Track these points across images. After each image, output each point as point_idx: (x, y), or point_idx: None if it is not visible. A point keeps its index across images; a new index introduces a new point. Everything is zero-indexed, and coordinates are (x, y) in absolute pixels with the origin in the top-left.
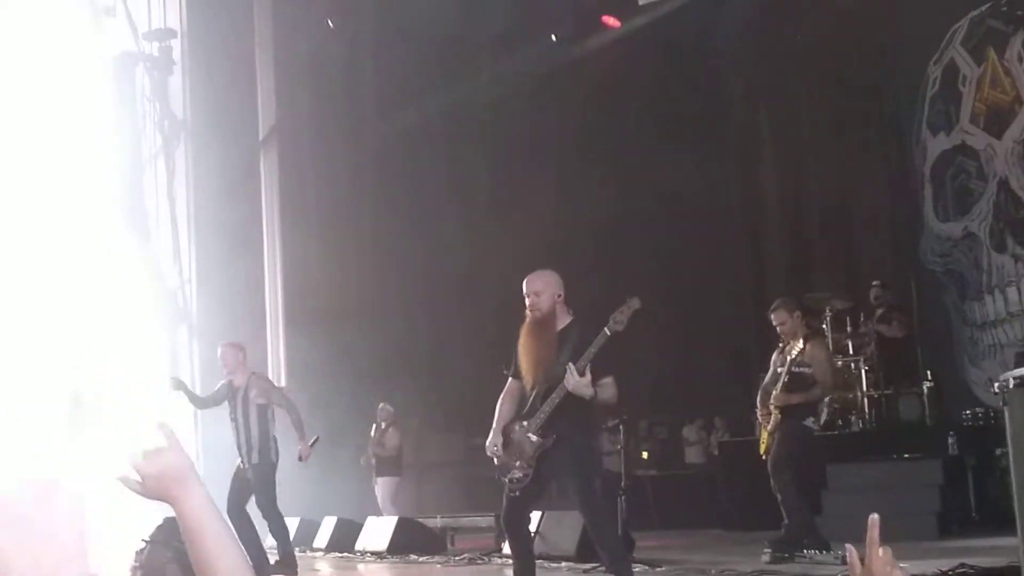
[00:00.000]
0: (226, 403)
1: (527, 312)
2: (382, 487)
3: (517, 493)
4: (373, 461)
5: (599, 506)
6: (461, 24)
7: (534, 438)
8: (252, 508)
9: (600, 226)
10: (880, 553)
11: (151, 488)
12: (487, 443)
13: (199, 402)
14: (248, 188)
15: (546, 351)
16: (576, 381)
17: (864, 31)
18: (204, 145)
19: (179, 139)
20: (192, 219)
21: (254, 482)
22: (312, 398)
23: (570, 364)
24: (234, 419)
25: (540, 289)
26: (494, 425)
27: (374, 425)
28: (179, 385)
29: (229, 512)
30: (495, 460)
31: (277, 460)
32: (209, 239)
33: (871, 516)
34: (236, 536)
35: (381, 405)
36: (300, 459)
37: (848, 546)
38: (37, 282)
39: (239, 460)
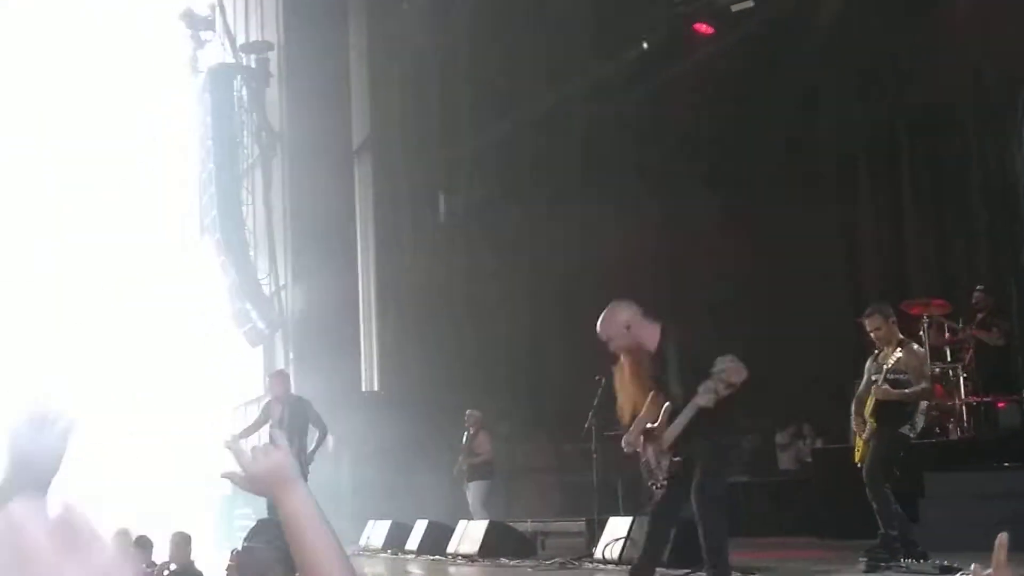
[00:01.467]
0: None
1: None
2: (473, 491)
3: (659, 497)
4: (464, 467)
5: (711, 509)
6: (553, 35)
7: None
8: None
9: (696, 234)
10: (1008, 573)
11: (258, 486)
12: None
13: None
14: (343, 197)
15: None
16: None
17: (963, 33)
18: (300, 155)
19: (275, 149)
20: (288, 228)
21: None
22: (405, 403)
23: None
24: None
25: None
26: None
27: (464, 432)
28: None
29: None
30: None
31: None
32: (305, 247)
33: (1000, 535)
34: (335, 534)
35: (469, 411)
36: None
37: (974, 566)
38: (130, 291)
39: None
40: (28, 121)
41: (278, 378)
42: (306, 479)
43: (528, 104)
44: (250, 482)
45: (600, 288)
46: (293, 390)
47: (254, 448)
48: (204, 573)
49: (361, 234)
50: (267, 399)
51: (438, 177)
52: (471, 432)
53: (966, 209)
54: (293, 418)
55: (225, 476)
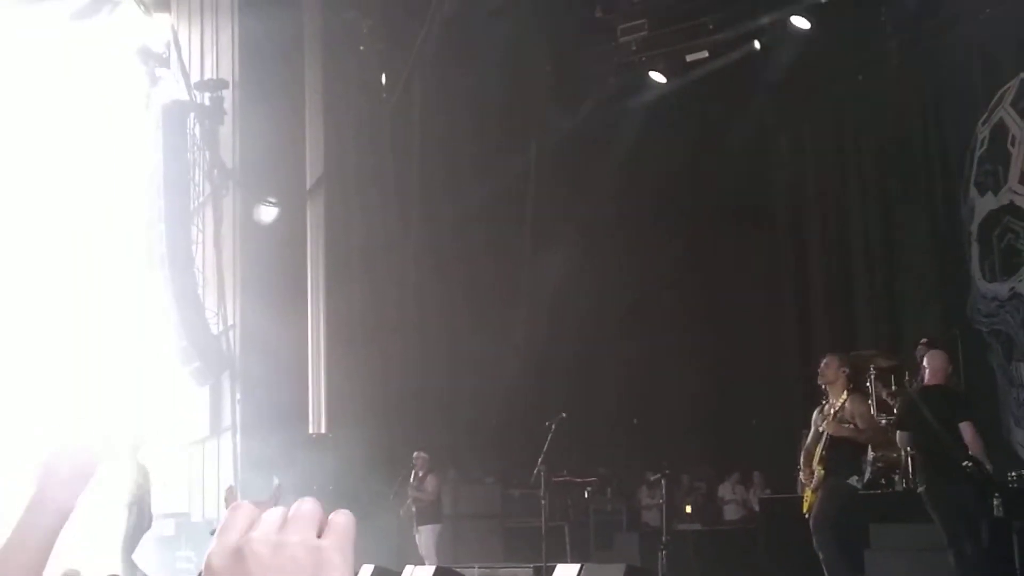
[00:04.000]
0: None
1: None
2: (425, 536)
3: None
4: (413, 509)
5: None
6: (508, 87)
7: None
8: None
9: (641, 281)
10: None
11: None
12: None
13: None
14: (294, 237)
15: None
16: None
17: (913, 89)
18: (252, 194)
19: (228, 187)
20: (238, 267)
21: None
22: (352, 446)
23: None
24: None
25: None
26: None
27: (412, 474)
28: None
29: None
30: None
31: None
32: (254, 287)
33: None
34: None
35: (416, 453)
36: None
37: None
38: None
39: None
40: None
41: None
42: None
43: (484, 152)
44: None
45: (550, 333)
46: (239, 432)
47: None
48: None
49: (312, 275)
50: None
51: (391, 220)
52: (419, 474)
53: (915, 260)
54: None
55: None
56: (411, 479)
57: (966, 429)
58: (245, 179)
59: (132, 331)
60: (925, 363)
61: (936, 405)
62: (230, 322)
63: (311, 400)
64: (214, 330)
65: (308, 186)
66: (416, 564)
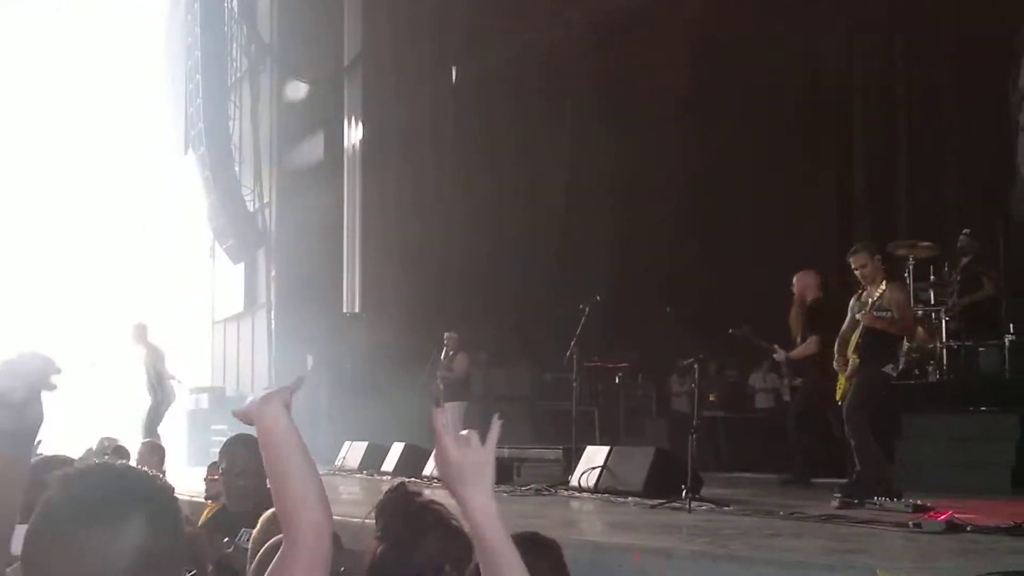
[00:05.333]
0: None
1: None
2: (450, 412)
3: None
4: (441, 386)
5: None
6: None
7: None
8: None
9: (694, 171)
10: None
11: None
12: None
13: None
14: (332, 115)
15: None
16: None
17: None
18: (289, 70)
19: (265, 63)
20: (275, 144)
21: None
22: (386, 327)
23: None
24: None
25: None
26: None
27: (442, 352)
28: None
29: None
30: None
31: None
32: (290, 165)
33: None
34: (314, 465)
35: (447, 333)
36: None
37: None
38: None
39: None
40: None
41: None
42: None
43: (522, 33)
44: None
45: (588, 218)
46: (273, 309)
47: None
48: (174, 486)
49: (348, 154)
50: None
51: (430, 97)
52: (451, 353)
53: (959, 150)
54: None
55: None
56: (442, 357)
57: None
58: (283, 55)
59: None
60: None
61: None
62: (266, 200)
63: (345, 279)
64: (250, 207)
65: (346, 63)
66: None
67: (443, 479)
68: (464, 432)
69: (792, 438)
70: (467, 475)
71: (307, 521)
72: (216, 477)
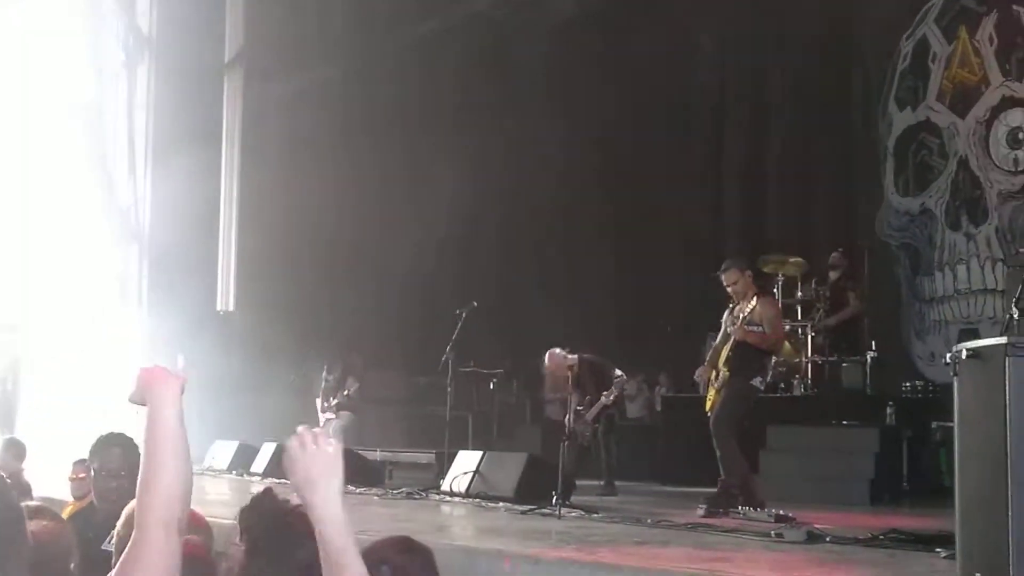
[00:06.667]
0: None
1: None
2: (340, 419)
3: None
4: (334, 403)
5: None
6: None
7: None
8: None
9: (559, 178)
10: None
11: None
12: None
13: None
14: (210, 110)
15: None
16: None
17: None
18: (168, 63)
19: (143, 55)
20: (150, 138)
21: None
22: (260, 325)
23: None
24: None
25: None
26: None
27: (327, 373)
28: None
29: None
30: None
31: None
32: (166, 160)
33: None
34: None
35: (345, 354)
36: None
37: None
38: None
39: None
40: None
41: None
42: None
43: (407, 22)
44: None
45: (478, 225)
46: (146, 308)
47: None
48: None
49: (227, 150)
50: None
51: (312, 96)
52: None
53: (830, 171)
54: None
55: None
56: (323, 372)
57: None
58: (161, 48)
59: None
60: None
61: None
62: (140, 194)
63: (220, 278)
64: (123, 202)
65: (227, 58)
66: None
67: (291, 481)
68: (313, 431)
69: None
70: (315, 477)
71: (161, 518)
72: (83, 476)
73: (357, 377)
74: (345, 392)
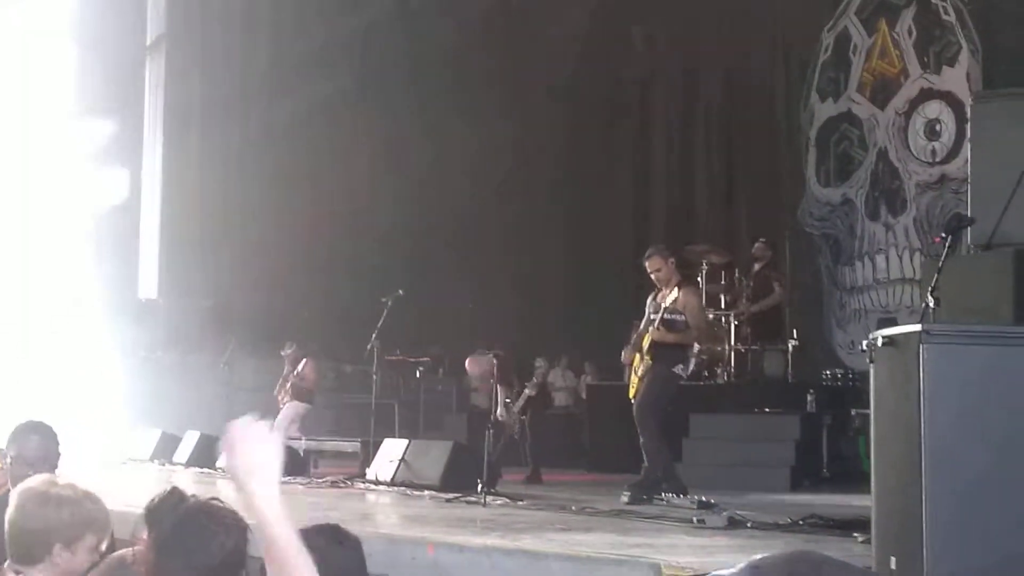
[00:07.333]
0: None
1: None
2: (287, 409)
3: None
4: (289, 389)
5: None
6: None
7: None
8: None
9: (478, 162)
10: None
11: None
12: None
13: None
14: (131, 96)
15: None
16: None
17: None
18: (89, 48)
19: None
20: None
21: None
22: (183, 311)
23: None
24: None
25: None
26: None
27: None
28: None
29: None
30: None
31: None
32: (86, 144)
33: None
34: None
35: (284, 351)
36: None
37: None
38: None
39: None
40: None
41: None
42: None
43: (331, 8)
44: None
45: (399, 213)
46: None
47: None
48: None
49: (148, 136)
50: None
51: (235, 81)
52: (297, 369)
53: (753, 161)
54: None
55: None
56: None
57: None
58: (81, 32)
59: None
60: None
61: None
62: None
63: (141, 265)
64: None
65: (148, 42)
66: None
67: (229, 471)
68: (252, 421)
69: None
70: (253, 467)
71: None
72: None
73: (312, 360)
74: (296, 372)
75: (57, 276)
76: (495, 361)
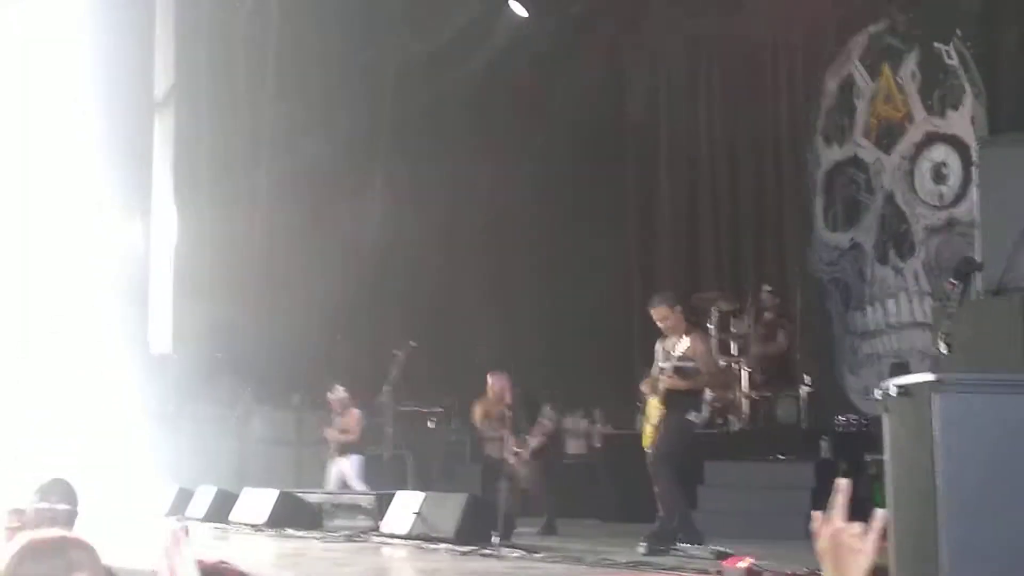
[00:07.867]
0: None
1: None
2: (352, 464)
3: None
4: (332, 446)
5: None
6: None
7: None
8: None
9: (490, 212)
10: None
11: None
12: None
13: None
14: (140, 152)
15: None
16: None
17: (766, 35)
18: (98, 104)
19: (72, 96)
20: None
21: None
22: (196, 368)
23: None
24: None
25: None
26: None
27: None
28: None
29: None
30: None
31: None
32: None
33: (839, 480)
34: None
35: (331, 394)
36: None
37: (815, 513)
38: None
39: None
40: None
41: None
42: None
43: (340, 65)
44: None
45: (408, 265)
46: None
47: None
48: None
49: (158, 192)
50: None
51: (244, 136)
52: (339, 413)
53: (760, 207)
54: None
55: None
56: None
57: None
58: (92, 87)
59: None
60: None
61: None
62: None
63: (152, 318)
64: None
65: (157, 94)
66: (254, 488)
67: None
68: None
69: None
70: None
71: None
72: (18, 525)
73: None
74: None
75: (63, 325)
76: (507, 400)
